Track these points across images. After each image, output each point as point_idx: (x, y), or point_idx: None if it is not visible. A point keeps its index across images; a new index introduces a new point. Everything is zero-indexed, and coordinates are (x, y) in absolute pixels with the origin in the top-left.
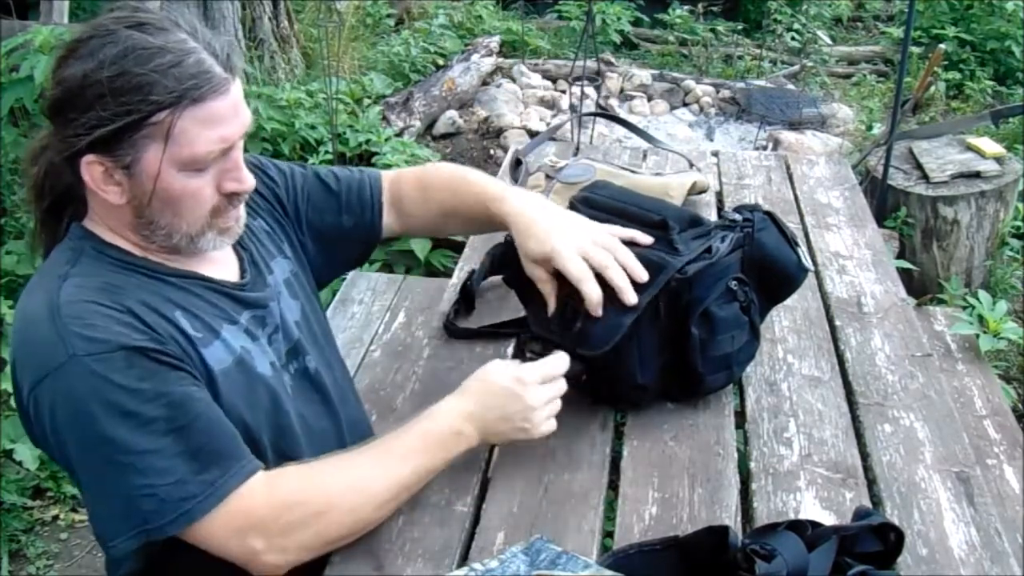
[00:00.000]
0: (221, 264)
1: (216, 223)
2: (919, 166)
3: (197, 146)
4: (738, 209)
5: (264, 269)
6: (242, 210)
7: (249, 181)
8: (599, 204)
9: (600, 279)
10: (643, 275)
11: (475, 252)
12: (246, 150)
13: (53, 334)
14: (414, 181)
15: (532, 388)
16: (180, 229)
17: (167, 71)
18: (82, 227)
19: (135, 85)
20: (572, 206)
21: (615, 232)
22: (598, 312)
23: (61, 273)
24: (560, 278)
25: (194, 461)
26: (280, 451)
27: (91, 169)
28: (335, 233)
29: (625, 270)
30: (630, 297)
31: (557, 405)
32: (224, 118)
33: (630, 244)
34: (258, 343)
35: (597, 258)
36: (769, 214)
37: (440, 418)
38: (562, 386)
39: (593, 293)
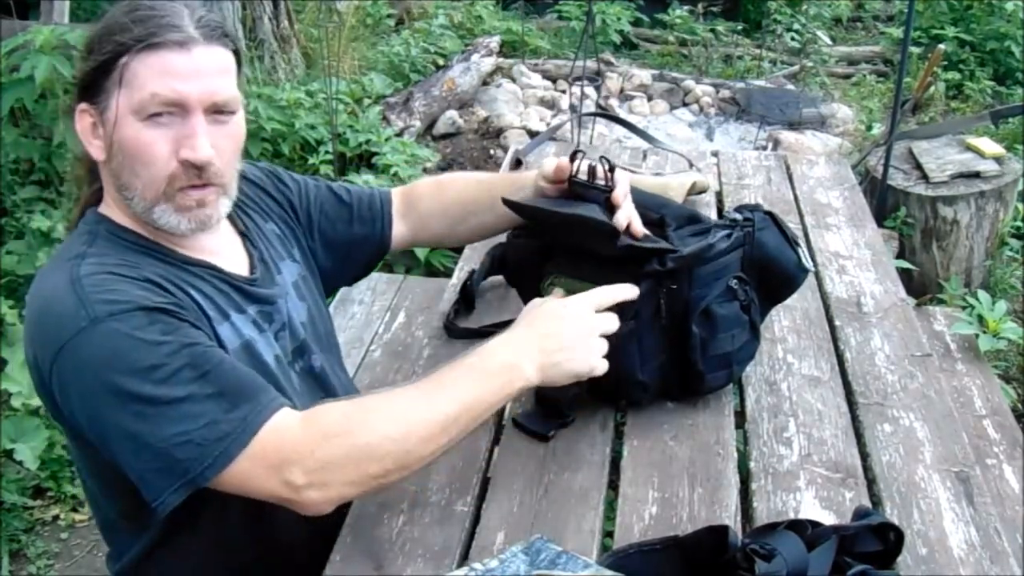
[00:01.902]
0: (231, 258)
1: (173, 195)
2: (919, 166)
3: (145, 91)
4: (739, 209)
5: (273, 269)
6: (211, 196)
7: (203, 151)
8: None
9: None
10: (639, 228)
11: (475, 252)
12: (247, 153)
13: (74, 302)
14: (430, 184)
15: (588, 313)
16: (137, 189)
17: (140, 20)
18: (96, 212)
19: (112, 30)
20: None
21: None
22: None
23: (79, 253)
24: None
25: (223, 400)
26: None
27: (82, 119)
28: (346, 242)
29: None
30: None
31: (605, 344)
32: (179, 72)
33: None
34: (264, 335)
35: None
36: (770, 214)
37: (491, 352)
38: (612, 322)
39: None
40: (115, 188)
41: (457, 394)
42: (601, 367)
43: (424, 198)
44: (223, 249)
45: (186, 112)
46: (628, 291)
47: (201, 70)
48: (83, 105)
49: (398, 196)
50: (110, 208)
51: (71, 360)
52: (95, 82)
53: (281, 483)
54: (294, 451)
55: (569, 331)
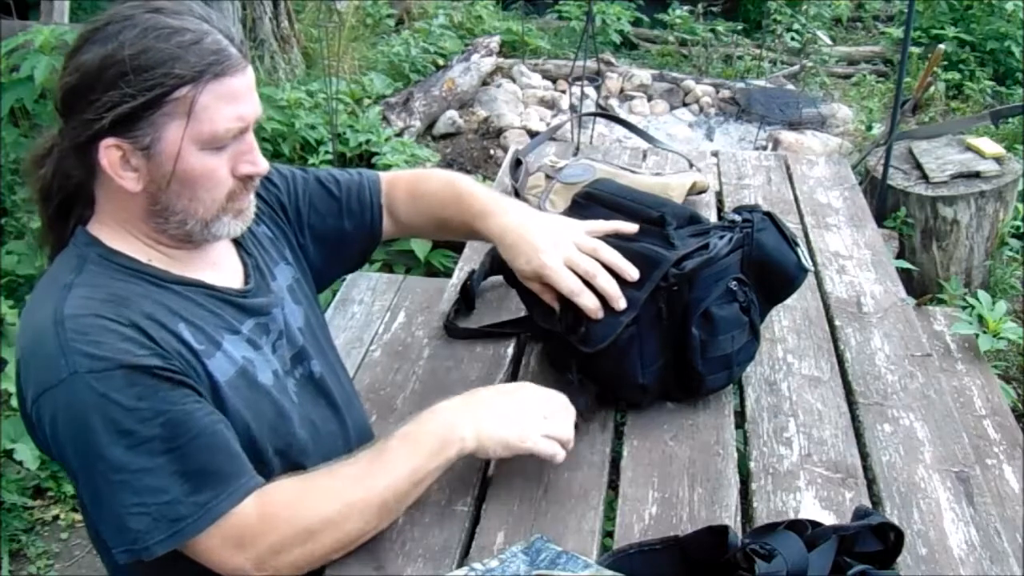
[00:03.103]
0: (225, 270)
1: (231, 206)
2: (919, 166)
3: (217, 122)
4: (738, 210)
5: (268, 275)
6: (253, 194)
7: (263, 164)
8: (601, 200)
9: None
10: (633, 274)
11: (475, 252)
12: None
13: (56, 349)
14: (406, 188)
15: (534, 398)
16: (196, 213)
17: (189, 47)
18: (87, 232)
19: (158, 61)
20: (575, 201)
21: (596, 229)
22: (599, 315)
23: (66, 282)
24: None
25: (187, 482)
26: (288, 459)
27: (109, 153)
28: (337, 236)
29: (613, 270)
30: (619, 303)
31: (554, 426)
32: (242, 96)
33: (616, 237)
34: (260, 352)
35: (583, 266)
36: (769, 214)
37: (426, 419)
38: (565, 422)
39: (590, 303)
40: (147, 215)
41: (395, 468)
42: (541, 448)
43: (400, 203)
44: (220, 260)
45: (243, 131)
46: (572, 412)
47: (251, 89)
48: (111, 140)
49: (385, 189)
50: (106, 228)
51: (49, 406)
52: (134, 116)
53: (231, 566)
54: (247, 540)
55: (509, 405)
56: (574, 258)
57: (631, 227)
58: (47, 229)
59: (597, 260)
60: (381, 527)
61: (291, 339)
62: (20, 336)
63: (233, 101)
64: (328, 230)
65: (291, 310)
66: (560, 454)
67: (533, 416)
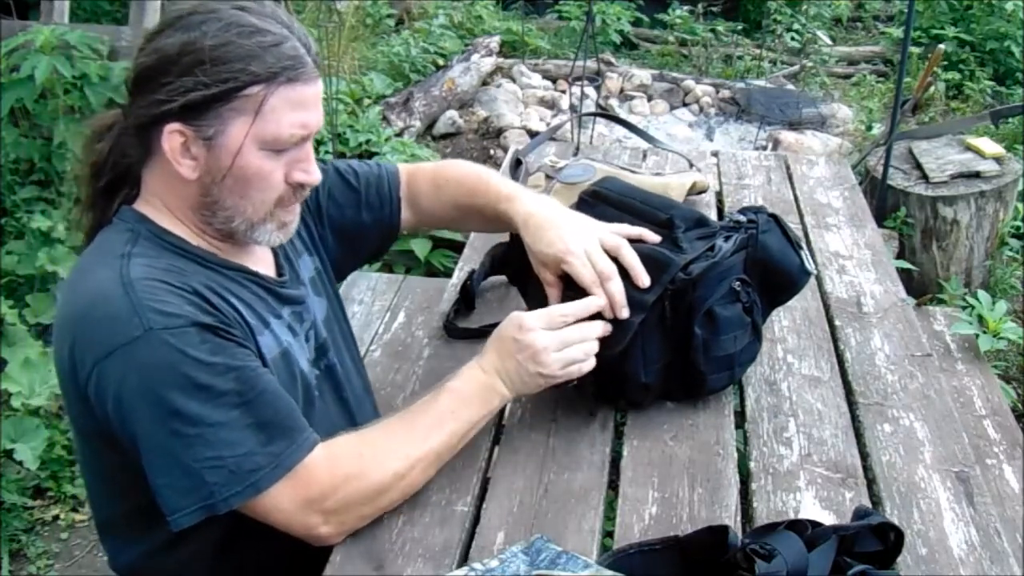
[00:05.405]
0: (261, 260)
1: (278, 214)
2: (919, 166)
3: (282, 126)
4: (743, 211)
5: (296, 266)
6: (299, 207)
7: (317, 175)
8: (609, 199)
9: None
10: (645, 280)
11: (475, 252)
12: None
13: (127, 308)
14: (429, 177)
15: (534, 333)
16: (244, 212)
17: (268, 48)
18: (135, 211)
19: (236, 56)
20: (582, 199)
21: (623, 231)
22: (608, 314)
23: (123, 252)
24: (565, 279)
25: (261, 433)
26: None
27: (171, 138)
28: (355, 228)
29: (629, 273)
30: (623, 312)
31: (579, 350)
32: (310, 105)
33: (637, 241)
34: (298, 338)
35: (601, 265)
36: (773, 216)
37: (465, 375)
38: (583, 331)
39: (602, 300)
40: (197, 206)
41: (448, 421)
42: (569, 373)
43: (423, 194)
44: (256, 251)
45: (304, 138)
46: (587, 304)
47: (319, 100)
48: (176, 125)
49: (404, 181)
50: (155, 210)
51: (119, 366)
52: (203, 105)
53: (301, 521)
54: (318, 494)
55: (520, 354)
56: (595, 254)
57: (654, 237)
58: (90, 205)
59: (619, 258)
60: (431, 477)
61: (317, 331)
62: (71, 305)
63: (301, 108)
64: (347, 222)
65: (315, 302)
66: (586, 366)
67: (548, 355)
